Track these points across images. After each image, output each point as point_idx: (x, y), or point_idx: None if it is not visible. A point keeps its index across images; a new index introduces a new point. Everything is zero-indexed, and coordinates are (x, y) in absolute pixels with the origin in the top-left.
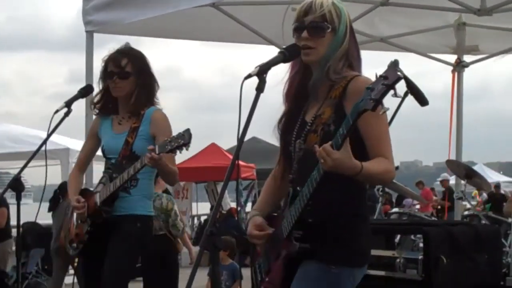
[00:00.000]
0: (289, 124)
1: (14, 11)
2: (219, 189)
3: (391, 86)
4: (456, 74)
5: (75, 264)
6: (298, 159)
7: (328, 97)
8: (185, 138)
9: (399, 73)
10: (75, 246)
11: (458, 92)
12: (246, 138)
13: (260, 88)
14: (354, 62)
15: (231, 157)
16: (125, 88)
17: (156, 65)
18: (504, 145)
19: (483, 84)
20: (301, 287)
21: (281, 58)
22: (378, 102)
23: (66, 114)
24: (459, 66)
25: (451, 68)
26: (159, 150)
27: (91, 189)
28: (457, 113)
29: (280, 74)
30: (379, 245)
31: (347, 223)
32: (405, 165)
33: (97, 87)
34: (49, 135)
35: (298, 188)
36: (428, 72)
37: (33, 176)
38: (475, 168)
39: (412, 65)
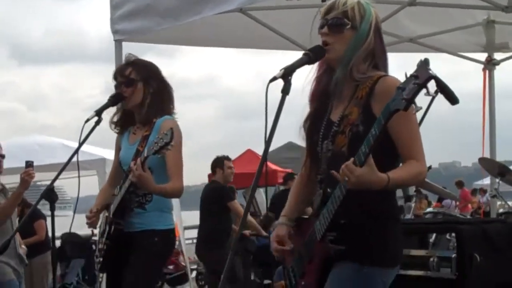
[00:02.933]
0: (315, 124)
1: (50, 25)
2: (256, 195)
3: (423, 85)
4: (487, 72)
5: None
6: (326, 160)
7: (355, 97)
8: (167, 137)
9: (430, 71)
10: (98, 261)
11: (490, 90)
12: (282, 143)
13: (285, 91)
14: (380, 63)
15: (267, 163)
16: (134, 96)
17: (193, 73)
18: None
19: None
20: (334, 287)
21: (306, 60)
22: (411, 101)
23: (97, 123)
24: (490, 64)
25: (482, 66)
26: (147, 153)
27: None
28: (490, 111)
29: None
30: (412, 244)
31: (378, 224)
32: (443, 166)
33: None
34: (80, 145)
35: (328, 189)
36: (461, 71)
37: (73, 188)
38: None
39: (443, 65)
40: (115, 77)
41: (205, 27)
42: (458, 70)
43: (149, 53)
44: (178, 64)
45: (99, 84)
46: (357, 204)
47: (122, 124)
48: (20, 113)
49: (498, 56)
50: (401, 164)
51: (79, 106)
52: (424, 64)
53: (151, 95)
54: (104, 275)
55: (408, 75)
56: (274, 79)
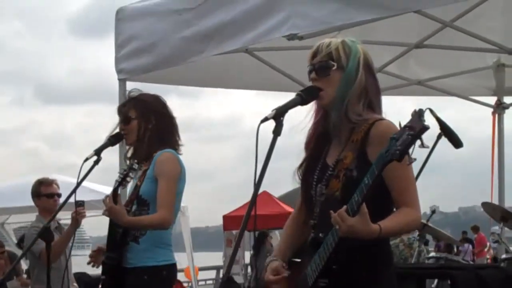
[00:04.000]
0: (310, 167)
1: (74, 65)
2: (271, 238)
3: (417, 136)
4: (496, 116)
5: None
6: (319, 204)
7: (350, 140)
8: (126, 169)
9: (424, 123)
10: None
11: (500, 134)
12: (298, 185)
13: (277, 132)
14: (374, 101)
15: (282, 205)
16: (131, 133)
17: (215, 114)
18: None
19: None
20: None
21: (298, 100)
22: (404, 152)
23: (96, 162)
24: (499, 108)
25: (491, 110)
26: (114, 185)
27: None
28: (499, 155)
29: None
30: None
31: (370, 270)
32: (463, 210)
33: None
34: (78, 184)
35: (320, 234)
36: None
37: (93, 228)
38: None
39: (452, 108)
40: (118, 115)
41: (213, 68)
42: (472, 114)
43: (172, 93)
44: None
45: None
46: (349, 250)
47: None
48: (43, 153)
49: (508, 100)
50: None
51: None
52: (418, 115)
53: (151, 130)
54: None
55: (402, 125)
56: (265, 119)
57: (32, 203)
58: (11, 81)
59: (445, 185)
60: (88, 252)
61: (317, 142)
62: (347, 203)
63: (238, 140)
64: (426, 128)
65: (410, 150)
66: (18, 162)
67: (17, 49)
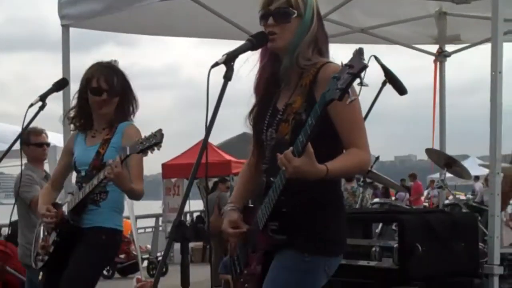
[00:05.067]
0: (260, 112)
1: (13, 13)
2: (210, 185)
3: (357, 75)
4: (438, 64)
5: (40, 278)
6: (270, 148)
7: (299, 85)
8: (157, 138)
9: (364, 61)
10: (40, 259)
11: (441, 83)
12: (236, 133)
13: (227, 76)
14: (323, 48)
15: (221, 153)
16: (112, 105)
17: (155, 63)
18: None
19: (479, 77)
20: (275, 276)
21: (249, 45)
22: (345, 91)
23: (41, 108)
24: (441, 56)
25: (433, 58)
26: (130, 150)
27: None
28: (440, 104)
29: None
30: (356, 234)
31: (320, 212)
32: (399, 159)
33: (74, 83)
34: (23, 130)
35: (271, 178)
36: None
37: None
38: (468, 161)
39: (397, 57)
40: (91, 79)
41: (156, 15)
42: (413, 64)
43: (110, 42)
44: (138, 53)
45: (58, 72)
46: (299, 192)
47: (82, 123)
48: None
49: (449, 48)
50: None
51: (38, 94)
52: (358, 53)
53: (120, 102)
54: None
55: (343, 64)
56: (216, 64)
57: None
58: None
59: (381, 134)
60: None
61: (266, 87)
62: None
63: (176, 89)
64: (365, 66)
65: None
66: None
67: None
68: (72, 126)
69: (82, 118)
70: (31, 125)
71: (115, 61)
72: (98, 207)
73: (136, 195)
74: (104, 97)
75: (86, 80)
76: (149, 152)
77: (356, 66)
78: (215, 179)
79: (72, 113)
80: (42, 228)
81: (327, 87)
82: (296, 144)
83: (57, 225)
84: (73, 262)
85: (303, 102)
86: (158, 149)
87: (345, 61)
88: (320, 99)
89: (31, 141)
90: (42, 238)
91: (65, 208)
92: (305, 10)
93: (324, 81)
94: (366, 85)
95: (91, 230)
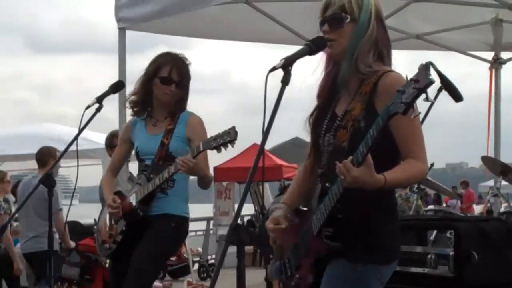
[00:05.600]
0: (320, 117)
1: (67, 16)
2: (263, 190)
3: (423, 90)
4: (493, 71)
5: (106, 265)
6: (327, 154)
7: (359, 92)
8: (231, 135)
9: (430, 77)
10: (107, 247)
11: (496, 90)
12: (288, 138)
13: (285, 81)
14: (384, 53)
15: (273, 157)
16: (177, 96)
17: (206, 67)
18: None
19: None
20: (329, 286)
21: (307, 50)
22: (410, 105)
23: (98, 110)
24: (496, 63)
25: (488, 65)
26: (203, 146)
27: (119, 189)
28: (495, 111)
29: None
30: (410, 241)
31: (375, 220)
32: (451, 167)
33: (129, 86)
34: (80, 131)
35: (327, 184)
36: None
37: (80, 177)
38: None
39: (452, 64)
40: (161, 68)
41: (211, 19)
42: (468, 70)
43: (161, 44)
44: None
45: (112, 74)
46: (355, 200)
47: (141, 109)
48: (34, 102)
49: (505, 55)
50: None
51: (94, 96)
52: (425, 68)
53: (184, 93)
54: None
55: (409, 78)
56: (274, 69)
57: (24, 151)
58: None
59: (432, 142)
60: (75, 202)
61: (329, 93)
62: (354, 153)
63: (228, 93)
64: (431, 82)
65: (416, 104)
66: (10, 111)
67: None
68: (130, 111)
69: (142, 104)
70: (114, 128)
71: (184, 55)
72: (166, 195)
73: (207, 182)
74: (173, 88)
75: (156, 68)
76: (223, 149)
77: (422, 81)
78: (287, 182)
79: (133, 98)
80: (107, 216)
81: (391, 99)
82: (356, 154)
83: (125, 215)
84: (143, 249)
85: (362, 109)
86: (232, 146)
87: (402, 68)
88: (384, 112)
89: (114, 143)
90: (108, 227)
91: (132, 198)
92: (359, 14)
93: (384, 90)
94: (432, 101)
95: (160, 217)
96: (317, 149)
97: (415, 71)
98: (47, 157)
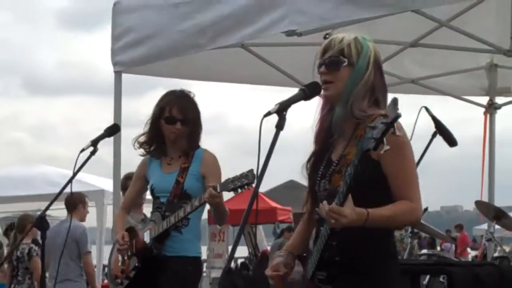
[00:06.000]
0: (316, 163)
1: (63, 57)
2: (257, 232)
3: (390, 125)
4: (488, 116)
5: None
6: (323, 199)
7: (354, 136)
8: (249, 178)
9: (398, 111)
10: (119, 282)
11: (491, 134)
12: (283, 181)
13: (279, 126)
14: (380, 98)
15: (267, 200)
16: (184, 133)
17: (204, 109)
18: None
19: None
20: None
21: (302, 95)
22: (379, 141)
23: (92, 153)
24: (491, 108)
25: (483, 110)
26: (221, 188)
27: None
28: (490, 155)
29: None
30: (403, 286)
31: (375, 262)
32: (445, 210)
33: (126, 128)
34: (74, 174)
35: (321, 228)
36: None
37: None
38: None
39: (447, 108)
40: (165, 107)
41: (208, 62)
42: (463, 115)
43: (159, 86)
44: None
45: (107, 117)
46: (352, 241)
47: (154, 149)
48: (27, 143)
49: (499, 100)
50: None
51: (87, 138)
52: (393, 104)
53: (193, 130)
54: None
55: (378, 113)
56: (268, 114)
57: (16, 193)
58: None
59: (427, 185)
60: None
61: (325, 137)
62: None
63: (224, 135)
64: (398, 116)
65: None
66: (2, 152)
67: (4, 40)
68: (141, 151)
69: (153, 144)
70: (128, 171)
71: (189, 92)
72: (180, 233)
73: (226, 217)
74: (178, 126)
75: (160, 109)
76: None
77: (390, 116)
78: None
79: (142, 138)
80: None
81: (364, 135)
82: (338, 195)
83: (139, 251)
84: None
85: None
86: (250, 189)
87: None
88: (358, 149)
89: (127, 186)
90: (121, 262)
91: (146, 235)
92: (358, 59)
93: None
94: (398, 135)
95: (176, 259)
96: (313, 195)
97: (412, 114)
98: (76, 202)
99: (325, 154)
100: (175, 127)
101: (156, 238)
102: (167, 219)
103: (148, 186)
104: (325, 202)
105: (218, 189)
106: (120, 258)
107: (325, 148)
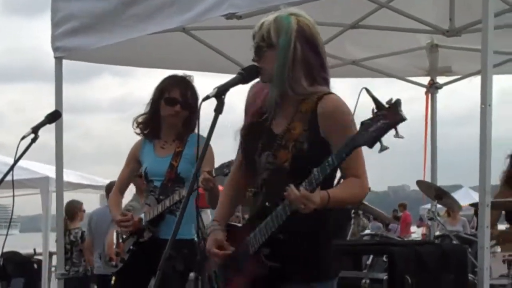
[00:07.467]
0: (253, 131)
1: (11, 43)
2: (203, 215)
3: (393, 126)
4: (429, 96)
5: (112, 283)
6: (267, 173)
7: (299, 110)
8: None
9: (401, 113)
10: (114, 264)
11: (432, 114)
12: (225, 161)
13: (218, 110)
14: (316, 73)
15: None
16: (182, 117)
17: (148, 94)
18: (492, 170)
19: (472, 107)
20: None
21: (240, 79)
22: (377, 140)
23: (33, 140)
24: (432, 88)
25: (424, 90)
26: (216, 172)
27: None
28: (432, 135)
29: None
30: (346, 266)
31: (315, 241)
32: (392, 189)
33: (67, 114)
34: (15, 162)
35: (267, 203)
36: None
37: (19, 207)
38: (461, 191)
39: (387, 88)
40: (167, 89)
41: (150, 48)
42: (406, 95)
43: (105, 72)
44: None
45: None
46: (295, 220)
47: (150, 131)
48: None
49: (440, 80)
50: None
51: (33, 124)
52: (395, 105)
53: (191, 115)
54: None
55: (375, 111)
56: (207, 98)
57: None
58: None
59: (375, 164)
60: (15, 231)
61: (259, 111)
62: (295, 174)
63: None
64: (403, 119)
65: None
66: None
67: None
68: (138, 130)
69: (150, 126)
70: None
71: (189, 76)
72: (175, 217)
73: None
74: (177, 109)
75: (161, 91)
76: None
77: (393, 118)
78: None
79: (141, 119)
80: (115, 234)
81: (357, 131)
82: (310, 180)
83: (134, 233)
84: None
85: (304, 130)
86: None
87: (342, 94)
88: (349, 143)
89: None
90: (115, 244)
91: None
92: (278, 39)
93: (325, 114)
94: (402, 137)
95: (173, 242)
96: (250, 164)
97: (355, 97)
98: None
99: (262, 124)
100: (175, 108)
101: (151, 221)
102: (161, 202)
103: (142, 170)
104: (292, 186)
105: (214, 174)
106: (114, 240)
107: (260, 119)
